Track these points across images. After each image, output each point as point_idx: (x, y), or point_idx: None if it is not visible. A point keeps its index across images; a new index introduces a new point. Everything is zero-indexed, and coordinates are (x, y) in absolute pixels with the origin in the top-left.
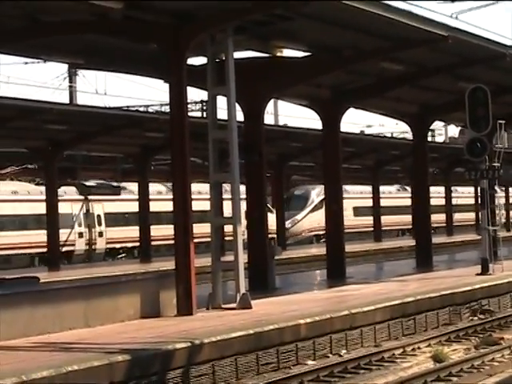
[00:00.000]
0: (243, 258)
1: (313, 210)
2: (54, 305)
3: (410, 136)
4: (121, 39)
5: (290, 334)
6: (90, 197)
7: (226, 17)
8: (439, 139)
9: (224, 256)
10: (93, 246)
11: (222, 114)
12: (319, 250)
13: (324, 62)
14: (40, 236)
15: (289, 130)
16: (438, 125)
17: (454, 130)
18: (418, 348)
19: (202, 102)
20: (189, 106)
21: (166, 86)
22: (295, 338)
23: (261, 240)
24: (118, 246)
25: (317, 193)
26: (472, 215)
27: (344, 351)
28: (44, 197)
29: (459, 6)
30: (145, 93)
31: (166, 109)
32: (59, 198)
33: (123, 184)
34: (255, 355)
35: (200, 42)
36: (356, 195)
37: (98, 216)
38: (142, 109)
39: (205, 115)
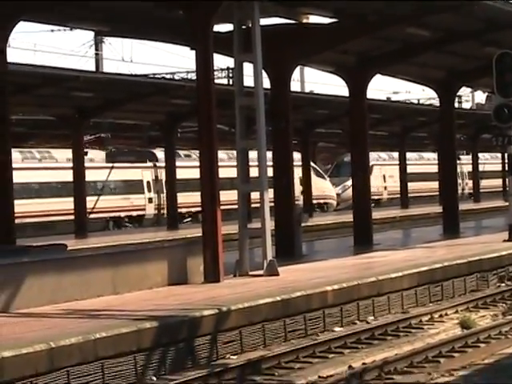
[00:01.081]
0: (270, 224)
1: None
2: (81, 272)
3: (436, 102)
4: (147, 6)
5: (317, 301)
6: (158, 164)
7: None
8: (466, 105)
9: (251, 223)
10: (161, 211)
11: (248, 80)
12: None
13: (350, 28)
14: (113, 201)
15: (315, 96)
16: (464, 91)
17: (480, 96)
18: (446, 314)
19: (228, 69)
20: (215, 73)
21: (192, 53)
22: (322, 304)
23: (287, 207)
24: (183, 210)
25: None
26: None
27: (371, 318)
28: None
29: None
30: (171, 60)
31: (192, 76)
32: (131, 165)
33: (190, 152)
34: (282, 322)
35: (226, 9)
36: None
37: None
38: (168, 76)
39: (231, 82)
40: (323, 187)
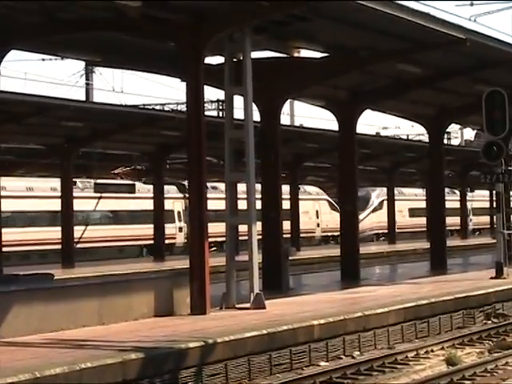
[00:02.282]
0: (257, 257)
1: (373, 211)
2: (67, 302)
3: (425, 138)
4: (138, 37)
5: (304, 335)
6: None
7: (244, 16)
8: (455, 142)
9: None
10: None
11: (238, 113)
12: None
13: (341, 62)
14: (147, 230)
15: (305, 130)
16: (453, 128)
17: (469, 133)
18: (432, 351)
19: (218, 101)
20: (205, 105)
21: (183, 85)
22: (308, 338)
23: (275, 240)
24: (210, 240)
25: (376, 194)
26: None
27: (357, 353)
28: (151, 195)
29: (478, 9)
30: (161, 91)
31: (182, 107)
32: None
33: (216, 184)
34: (268, 355)
35: (217, 42)
36: (411, 197)
37: None
38: (158, 107)
39: (221, 114)
40: (337, 220)
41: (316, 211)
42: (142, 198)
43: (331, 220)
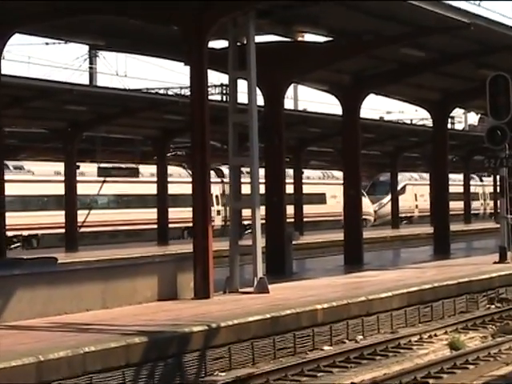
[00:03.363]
0: (261, 242)
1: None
2: (71, 285)
3: (429, 123)
4: (142, 21)
5: (307, 319)
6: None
7: (248, 0)
8: (459, 127)
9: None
10: (227, 223)
11: (242, 97)
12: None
13: (345, 47)
14: (187, 213)
15: (308, 114)
16: (457, 112)
17: (473, 118)
18: (435, 335)
19: (222, 85)
20: (209, 89)
21: (186, 69)
22: (312, 323)
23: (279, 224)
24: (245, 222)
25: (398, 180)
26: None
27: (360, 337)
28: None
29: None
30: (165, 75)
31: (186, 92)
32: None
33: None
34: (272, 340)
35: (221, 25)
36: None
37: None
38: (161, 91)
39: (224, 99)
40: (362, 204)
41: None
42: (184, 183)
43: None
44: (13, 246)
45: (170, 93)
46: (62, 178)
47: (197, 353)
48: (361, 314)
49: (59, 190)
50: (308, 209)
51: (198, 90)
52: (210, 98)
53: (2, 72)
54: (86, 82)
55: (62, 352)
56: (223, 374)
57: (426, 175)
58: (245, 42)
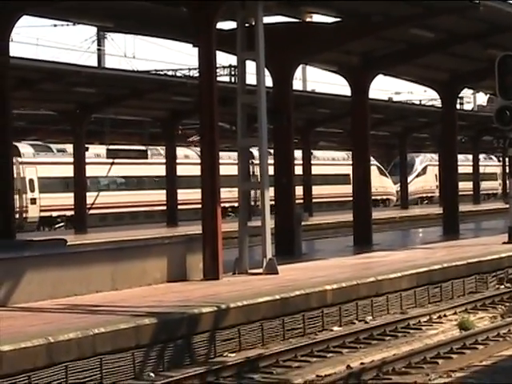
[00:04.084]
0: (270, 223)
1: (417, 176)
2: (81, 267)
3: (438, 103)
4: (151, 2)
5: (316, 300)
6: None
7: None
8: (467, 107)
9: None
10: (256, 203)
11: (250, 79)
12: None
13: (353, 28)
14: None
15: (317, 95)
16: (466, 93)
17: (482, 98)
18: (444, 316)
19: (230, 66)
20: (217, 70)
21: (195, 51)
22: (321, 303)
23: (288, 205)
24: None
25: (420, 160)
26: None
27: (370, 318)
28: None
29: None
30: (173, 57)
31: (194, 73)
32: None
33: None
34: (281, 320)
35: (230, 7)
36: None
37: None
38: (170, 73)
39: (233, 80)
40: (385, 185)
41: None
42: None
43: (379, 184)
44: (57, 225)
45: (178, 74)
46: (100, 160)
47: (206, 334)
48: (370, 295)
49: (97, 171)
50: (334, 189)
51: (207, 71)
52: (218, 79)
53: (11, 54)
54: (95, 63)
55: (72, 333)
56: (233, 355)
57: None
58: (253, 24)
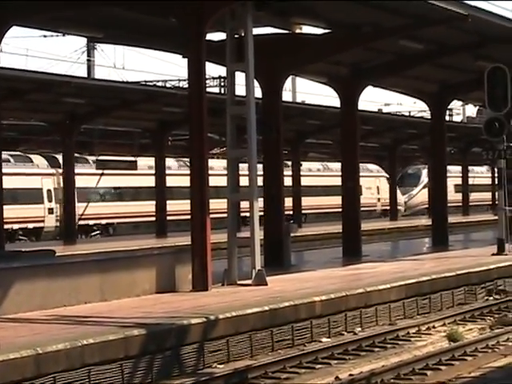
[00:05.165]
0: (259, 234)
1: (424, 187)
2: (70, 278)
3: (427, 115)
4: (140, 13)
5: (305, 311)
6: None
7: None
8: (457, 119)
9: (240, 232)
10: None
11: (240, 90)
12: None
13: (343, 39)
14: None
15: (306, 107)
16: (455, 104)
17: (471, 110)
18: (433, 327)
19: (220, 77)
20: (207, 81)
21: (184, 61)
22: (310, 315)
23: (277, 217)
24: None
25: (426, 172)
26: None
27: (359, 329)
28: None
29: None
30: (163, 68)
31: (184, 84)
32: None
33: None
34: (270, 332)
35: (219, 18)
36: (456, 174)
37: None
38: (159, 84)
39: (222, 91)
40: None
41: (377, 187)
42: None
43: (388, 195)
44: (93, 233)
45: (168, 85)
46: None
47: (195, 345)
48: (359, 306)
49: (132, 182)
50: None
51: (196, 82)
52: (208, 90)
53: (0, 65)
54: (84, 74)
55: (61, 344)
56: (221, 366)
57: (452, 168)
58: (242, 34)
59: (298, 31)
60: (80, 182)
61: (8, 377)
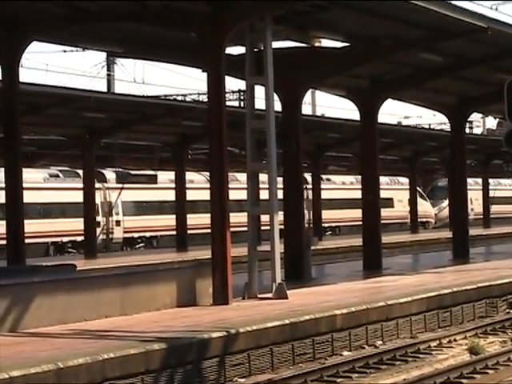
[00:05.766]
0: (280, 247)
1: None
2: (90, 292)
3: (447, 127)
4: (160, 28)
5: (326, 325)
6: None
7: (265, 6)
8: (477, 131)
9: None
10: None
11: (259, 103)
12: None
13: (362, 52)
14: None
15: (326, 120)
16: (475, 116)
17: (491, 122)
18: (454, 340)
19: (239, 91)
20: (226, 95)
21: (204, 75)
22: (331, 328)
23: (298, 230)
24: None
25: None
26: None
27: (380, 342)
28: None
29: None
30: (182, 82)
31: (204, 98)
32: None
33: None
34: (291, 345)
35: (238, 32)
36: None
37: None
38: (179, 98)
39: (242, 104)
40: (425, 208)
41: (408, 200)
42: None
43: (420, 208)
44: (138, 245)
45: (187, 99)
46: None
47: (216, 359)
48: (380, 319)
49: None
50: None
51: (216, 96)
52: (227, 103)
53: (20, 80)
54: (104, 89)
55: (82, 359)
56: (242, 380)
57: (479, 180)
58: (262, 48)
59: (317, 44)
60: (127, 195)
61: None
